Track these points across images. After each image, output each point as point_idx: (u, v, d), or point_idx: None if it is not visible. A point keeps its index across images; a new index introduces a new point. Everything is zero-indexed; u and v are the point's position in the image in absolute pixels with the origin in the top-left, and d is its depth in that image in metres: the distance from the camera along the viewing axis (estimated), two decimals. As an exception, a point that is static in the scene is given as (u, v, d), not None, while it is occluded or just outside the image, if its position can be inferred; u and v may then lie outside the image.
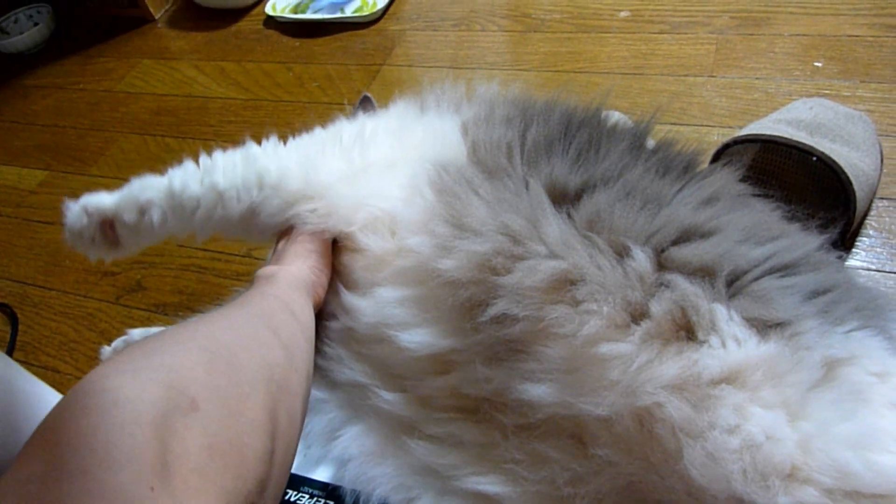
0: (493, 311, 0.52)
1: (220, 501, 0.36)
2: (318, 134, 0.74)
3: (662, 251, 0.50)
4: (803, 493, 0.41)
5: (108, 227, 0.72)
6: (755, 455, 0.42)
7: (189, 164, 0.71)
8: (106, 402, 0.36)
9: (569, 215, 0.54)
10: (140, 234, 0.71)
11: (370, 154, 0.69)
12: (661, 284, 0.49)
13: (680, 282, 0.48)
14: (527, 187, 0.56)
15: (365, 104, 0.95)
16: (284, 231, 0.69)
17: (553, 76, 1.23)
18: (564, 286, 0.50)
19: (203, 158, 0.71)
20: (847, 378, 0.45)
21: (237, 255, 1.05)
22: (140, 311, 1.00)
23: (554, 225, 0.53)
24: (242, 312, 0.52)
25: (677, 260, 0.50)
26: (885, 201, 0.90)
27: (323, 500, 0.69)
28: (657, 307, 0.47)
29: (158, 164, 1.24)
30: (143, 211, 0.70)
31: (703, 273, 0.49)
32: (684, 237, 0.51)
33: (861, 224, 0.87)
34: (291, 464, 0.47)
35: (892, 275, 0.82)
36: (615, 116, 0.91)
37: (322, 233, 0.66)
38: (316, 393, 0.65)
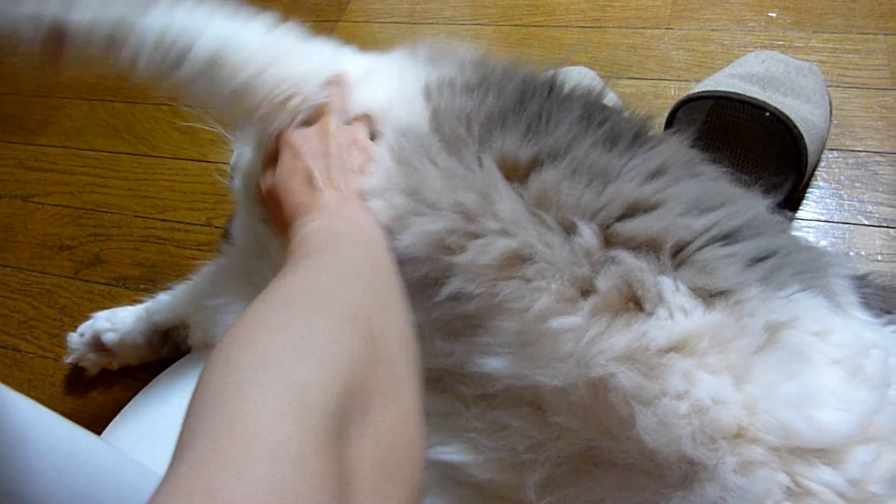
0: (448, 290, 0.53)
1: None
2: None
3: (608, 227, 0.51)
4: (750, 452, 0.43)
5: (58, 40, 0.60)
6: (703, 419, 0.44)
7: (186, 11, 0.63)
8: (271, 396, 0.30)
9: (519, 193, 0.54)
10: (93, 61, 0.61)
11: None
12: (608, 260, 0.50)
13: (625, 257, 0.49)
14: (480, 162, 0.56)
15: None
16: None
17: (511, 30, 1.22)
18: (516, 264, 0.51)
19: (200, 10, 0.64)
20: (789, 340, 0.47)
21: (198, 225, 1.04)
22: (100, 286, 0.98)
23: (507, 201, 0.53)
24: (365, 266, 0.48)
25: (622, 235, 0.51)
26: (834, 152, 0.92)
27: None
28: (603, 283, 0.49)
29: (109, 130, 1.22)
30: (113, 45, 0.60)
31: (648, 246, 0.50)
32: (629, 212, 0.52)
33: (812, 176, 0.89)
34: None
35: (841, 225, 0.85)
36: (576, 76, 0.91)
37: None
38: None
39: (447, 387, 0.56)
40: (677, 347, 0.46)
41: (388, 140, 0.61)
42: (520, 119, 0.59)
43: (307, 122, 0.65)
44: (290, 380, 0.32)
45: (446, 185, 0.55)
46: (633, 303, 0.48)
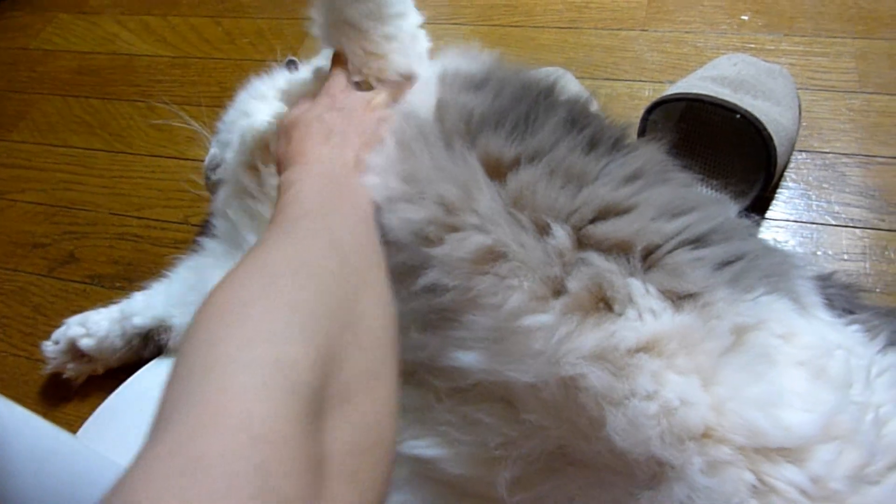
0: (424, 280, 0.54)
1: None
2: None
3: (581, 229, 0.52)
4: (718, 452, 0.44)
5: None
6: (671, 419, 0.45)
7: None
8: (259, 375, 0.30)
9: (498, 191, 0.55)
10: None
11: None
12: (579, 261, 0.51)
13: (595, 259, 0.50)
14: (466, 157, 0.57)
15: (290, 67, 0.93)
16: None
17: (489, 30, 1.23)
18: (490, 260, 0.52)
19: None
20: (755, 342, 0.48)
21: (174, 223, 1.03)
22: (75, 284, 0.97)
23: (487, 197, 0.54)
24: (354, 244, 0.49)
25: (594, 238, 0.52)
26: (803, 154, 0.94)
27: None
28: (574, 283, 0.50)
29: (83, 127, 1.21)
30: None
31: (619, 249, 0.51)
32: (601, 215, 0.53)
33: (781, 177, 0.91)
34: None
35: (809, 225, 0.87)
36: (550, 74, 0.92)
37: None
38: None
39: (421, 380, 0.57)
40: (646, 348, 0.47)
41: (393, 122, 0.62)
42: (507, 120, 0.60)
43: (359, 87, 0.67)
44: (275, 357, 0.32)
45: (433, 175, 0.56)
46: (603, 303, 0.50)
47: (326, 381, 0.33)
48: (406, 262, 0.56)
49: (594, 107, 0.86)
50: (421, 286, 0.54)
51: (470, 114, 0.61)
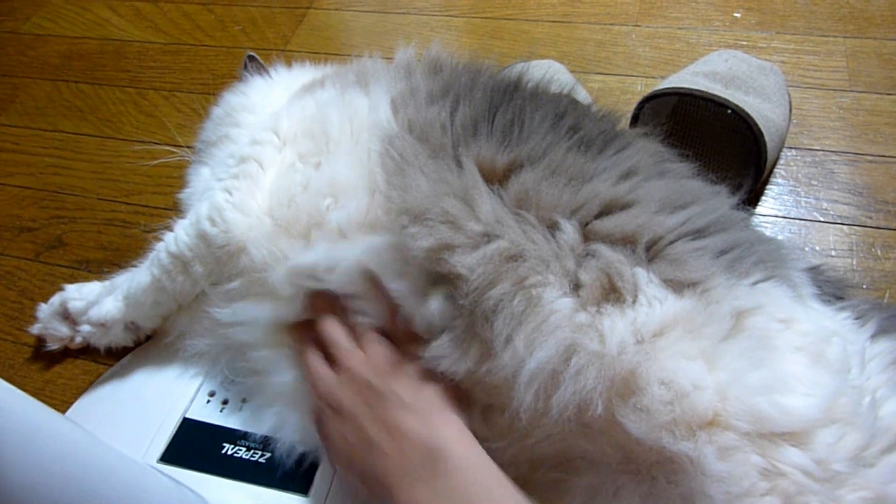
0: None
1: None
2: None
3: (587, 224, 0.53)
4: (724, 439, 0.45)
5: None
6: (683, 405, 0.45)
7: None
8: None
9: (499, 195, 0.55)
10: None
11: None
12: (588, 254, 0.52)
13: (603, 250, 0.51)
14: (460, 166, 0.57)
15: (252, 64, 0.92)
16: None
17: (482, 22, 1.23)
18: (509, 260, 0.52)
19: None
20: (755, 327, 0.49)
21: (163, 209, 1.03)
22: (62, 269, 0.97)
23: (488, 203, 0.54)
24: None
25: (601, 232, 0.53)
26: (793, 150, 0.95)
27: (259, 452, 0.70)
28: (586, 275, 0.50)
29: (73, 111, 1.20)
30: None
31: (624, 242, 0.52)
32: (606, 210, 0.54)
33: (771, 173, 0.92)
34: None
35: (797, 221, 0.88)
36: (544, 67, 0.92)
37: None
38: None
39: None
40: (659, 333, 0.48)
41: (377, 152, 0.62)
42: (494, 128, 0.60)
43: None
44: None
45: (432, 191, 0.56)
46: (613, 293, 0.50)
47: None
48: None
49: (581, 95, 0.86)
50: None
51: (443, 126, 0.60)
